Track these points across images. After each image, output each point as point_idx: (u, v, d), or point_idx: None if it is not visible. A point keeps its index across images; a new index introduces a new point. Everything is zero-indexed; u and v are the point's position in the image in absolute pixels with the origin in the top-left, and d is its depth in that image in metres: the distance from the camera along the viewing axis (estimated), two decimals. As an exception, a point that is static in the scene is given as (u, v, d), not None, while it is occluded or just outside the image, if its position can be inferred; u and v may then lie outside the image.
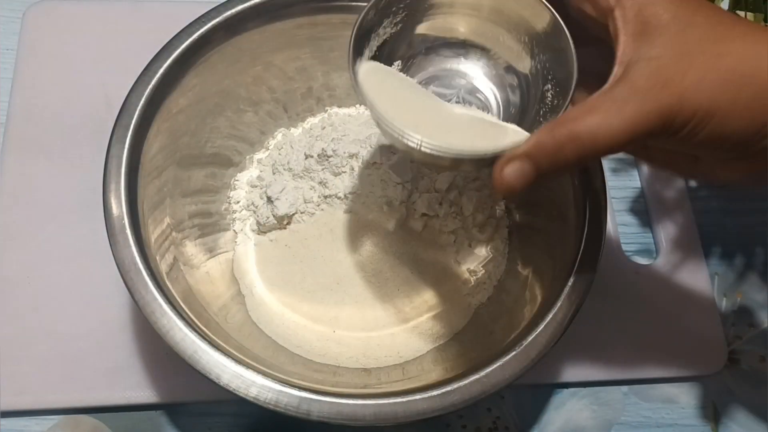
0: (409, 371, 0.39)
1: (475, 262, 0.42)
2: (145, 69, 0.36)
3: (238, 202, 0.44)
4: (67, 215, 0.44)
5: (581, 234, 0.35)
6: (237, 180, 0.44)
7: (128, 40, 0.49)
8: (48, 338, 0.41)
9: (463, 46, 0.34)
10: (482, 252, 0.43)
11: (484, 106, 0.34)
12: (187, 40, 0.37)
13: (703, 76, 0.25)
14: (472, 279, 0.42)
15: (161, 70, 0.36)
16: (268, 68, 0.42)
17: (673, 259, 0.47)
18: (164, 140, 0.37)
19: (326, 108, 0.46)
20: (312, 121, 0.46)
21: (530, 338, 0.32)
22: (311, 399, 0.31)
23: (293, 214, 0.42)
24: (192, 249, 0.40)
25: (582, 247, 0.34)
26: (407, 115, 0.30)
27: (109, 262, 0.32)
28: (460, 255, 0.42)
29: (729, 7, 0.41)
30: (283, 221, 0.42)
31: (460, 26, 0.33)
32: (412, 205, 0.41)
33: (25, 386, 0.40)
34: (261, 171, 0.44)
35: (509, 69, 0.34)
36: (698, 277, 0.46)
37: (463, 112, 0.32)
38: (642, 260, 0.47)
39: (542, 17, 0.30)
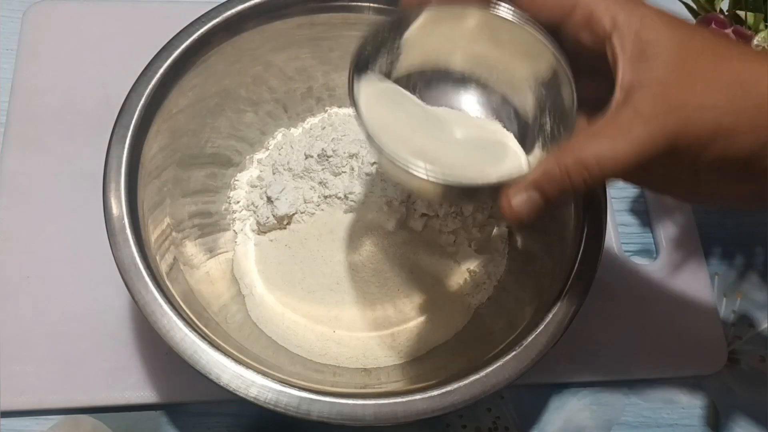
0: (409, 371, 0.39)
1: (475, 262, 0.42)
2: (145, 69, 0.36)
3: (238, 202, 0.44)
4: (67, 215, 0.44)
5: (581, 234, 0.35)
6: (237, 180, 0.44)
7: (128, 40, 0.49)
8: (48, 338, 0.41)
9: (460, 78, 0.34)
10: (482, 252, 0.43)
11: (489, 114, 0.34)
12: (187, 40, 0.37)
13: (705, 98, 0.25)
14: (472, 279, 0.42)
15: (161, 70, 0.36)
16: (268, 68, 0.42)
17: (673, 259, 0.47)
18: (164, 140, 0.37)
19: (326, 108, 0.46)
20: (312, 121, 0.46)
21: (530, 338, 0.32)
22: (311, 399, 0.31)
23: (293, 214, 0.42)
24: (192, 249, 0.40)
25: (582, 247, 0.34)
26: (409, 144, 0.30)
27: (109, 262, 0.32)
28: (460, 255, 0.42)
29: (729, 6, 0.41)
30: (283, 221, 0.42)
31: (458, 58, 0.33)
32: (412, 205, 0.41)
33: (25, 386, 0.40)
34: (261, 171, 0.44)
35: (505, 100, 0.34)
36: (698, 277, 0.46)
37: (465, 134, 0.32)
38: (642, 260, 0.47)
39: (540, 51, 0.30)
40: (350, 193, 0.41)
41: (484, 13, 0.30)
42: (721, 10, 0.41)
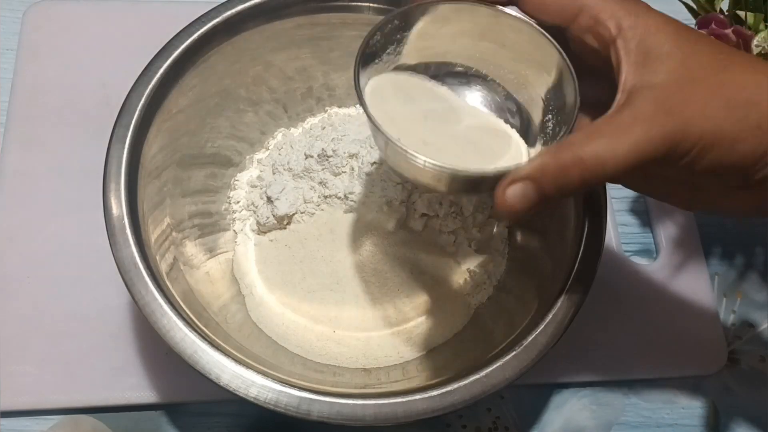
0: (409, 371, 0.39)
1: (475, 262, 0.42)
2: (145, 69, 0.36)
3: (238, 202, 0.44)
4: (67, 215, 0.44)
5: (581, 234, 0.35)
6: (237, 180, 0.44)
7: (128, 40, 0.49)
8: (48, 338, 0.41)
9: (464, 75, 0.34)
10: (482, 252, 0.43)
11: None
12: (187, 40, 0.37)
13: (706, 103, 0.25)
14: (472, 279, 0.42)
15: (161, 70, 0.36)
16: (268, 68, 0.42)
17: (673, 259, 0.47)
18: (164, 140, 0.37)
19: (326, 108, 0.46)
20: (312, 121, 0.46)
21: (530, 338, 0.32)
22: (311, 399, 0.31)
23: (293, 214, 0.42)
24: (192, 249, 0.40)
25: (582, 247, 0.34)
26: (411, 134, 0.30)
27: (109, 262, 0.32)
28: (460, 255, 0.42)
29: (729, 6, 0.41)
30: (283, 221, 0.42)
31: (464, 54, 0.33)
32: (412, 205, 0.41)
33: (25, 386, 0.40)
34: (261, 171, 0.44)
35: (509, 97, 0.34)
36: (698, 277, 0.46)
37: (469, 124, 0.32)
38: (642, 260, 0.47)
39: (545, 50, 0.30)
40: (350, 193, 0.41)
41: (491, 10, 0.30)
42: (721, 10, 0.41)
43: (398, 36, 0.31)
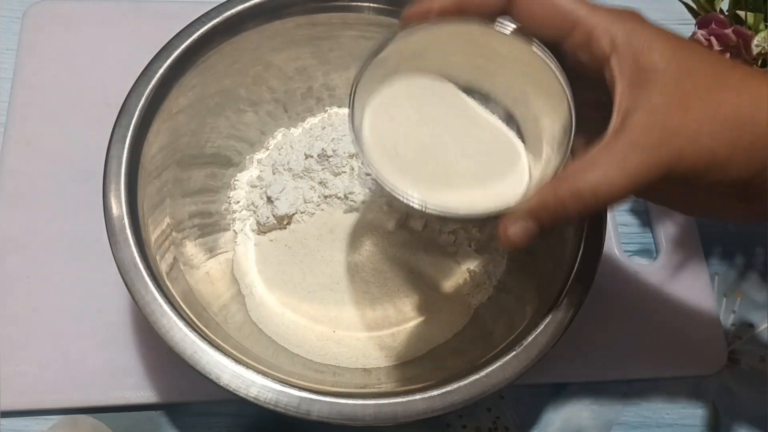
0: (409, 371, 0.39)
1: (475, 262, 0.42)
2: (145, 69, 0.36)
3: (238, 202, 0.44)
4: (67, 215, 0.44)
5: (581, 234, 0.35)
6: (237, 180, 0.44)
7: (128, 40, 0.49)
8: (48, 338, 0.41)
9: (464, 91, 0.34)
10: (482, 252, 0.43)
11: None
12: (187, 40, 0.37)
13: (701, 127, 0.25)
14: (472, 279, 0.42)
15: (161, 70, 0.36)
16: (268, 68, 0.42)
17: (673, 259, 0.47)
18: (164, 140, 0.37)
19: (326, 108, 0.46)
20: (312, 121, 0.46)
21: (530, 338, 0.32)
22: (311, 399, 0.31)
23: (293, 214, 0.42)
24: (192, 249, 0.40)
25: (582, 247, 0.34)
26: (407, 174, 0.30)
27: (109, 262, 0.32)
28: (460, 255, 0.42)
29: (729, 6, 0.41)
30: (283, 221, 0.42)
31: (458, 71, 0.33)
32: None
33: (25, 386, 0.40)
34: (261, 171, 0.44)
35: (506, 111, 0.33)
36: (698, 277, 0.46)
37: (479, 132, 0.32)
38: (642, 260, 0.47)
39: (542, 72, 0.29)
40: (350, 193, 0.41)
41: (485, 29, 0.30)
42: (721, 10, 0.41)
43: (392, 59, 0.31)
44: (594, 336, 0.44)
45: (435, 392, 0.31)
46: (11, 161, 0.45)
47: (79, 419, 0.39)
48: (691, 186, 0.26)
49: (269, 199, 0.42)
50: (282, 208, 0.41)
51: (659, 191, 0.29)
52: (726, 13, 0.41)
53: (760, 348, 0.46)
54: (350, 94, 0.30)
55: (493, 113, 0.33)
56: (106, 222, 0.33)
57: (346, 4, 0.39)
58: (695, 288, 0.46)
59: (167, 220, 0.38)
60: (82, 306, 0.42)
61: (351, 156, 0.41)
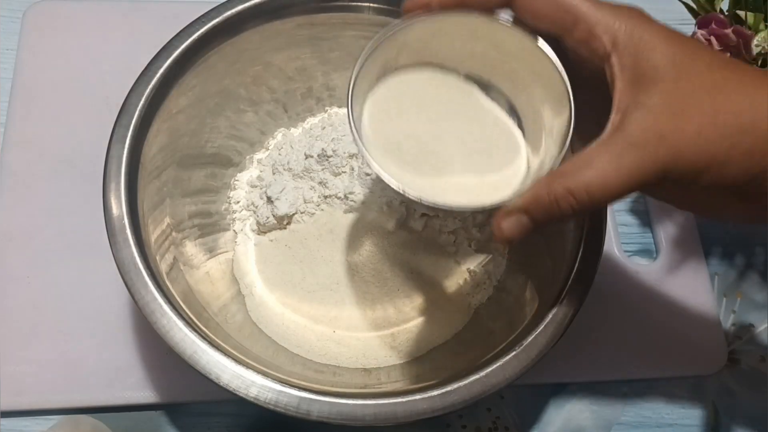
0: (409, 371, 0.39)
1: (475, 262, 0.42)
2: (145, 69, 0.36)
3: (238, 202, 0.44)
4: (67, 215, 0.44)
5: (581, 233, 0.35)
6: (237, 180, 0.44)
7: (128, 40, 0.49)
8: (48, 338, 0.41)
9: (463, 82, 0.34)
10: (482, 252, 0.43)
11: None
12: (187, 40, 0.37)
13: (699, 130, 0.25)
14: (472, 279, 0.42)
15: (161, 70, 0.36)
16: (268, 68, 0.42)
17: (673, 259, 0.47)
18: (164, 140, 0.37)
19: (326, 108, 0.46)
20: (312, 121, 0.46)
21: (530, 338, 0.32)
22: (311, 399, 0.31)
23: (293, 214, 0.42)
24: (192, 249, 0.40)
25: (582, 247, 0.34)
26: (406, 167, 0.30)
27: (109, 262, 0.32)
28: (460, 255, 0.42)
29: (729, 6, 0.41)
30: (283, 221, 0.42)
31: (459, 61, 0.33)
32: (416, 207, 0.41)
33: (25, 386, 0.40)
34: (261, 171, 0.44)
35: (507, 101, 0.33)
36: (698, 277, 0.46)
37: (480, 123, 0.32)
38: (642, 260, 0.47)
39: (541, 59, 0.29)
40: (350, 193, 0.41)
41: (485, 18, 0.30)
42: (721, 10, 0.41)
43: (393, 50, 0.31)
44: (594, 336, 0.44)
45: (435, 392, 0.31)
46: (11, 161, 0.45)
47: (79, 419, 0.39)
48: (689, 186, 0.26)
49: (269, 199, 0.42)
50: (282, 208, 0.41)
51: (657, 189, 0.29)
52: (726, 13, 0.41)
53: (760, 348, 0.46)
54: (349, 87, 0.29)
55: (495, 102, 0.33)
56: (106, 222, 0.33)
57: (346, 4, 0.39)
58: (695, 288, 0.46)
59: (167, 220, 0.38)
60: (82, 306, 0.42)
61: (351, 156, 0.41)
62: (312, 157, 0.42)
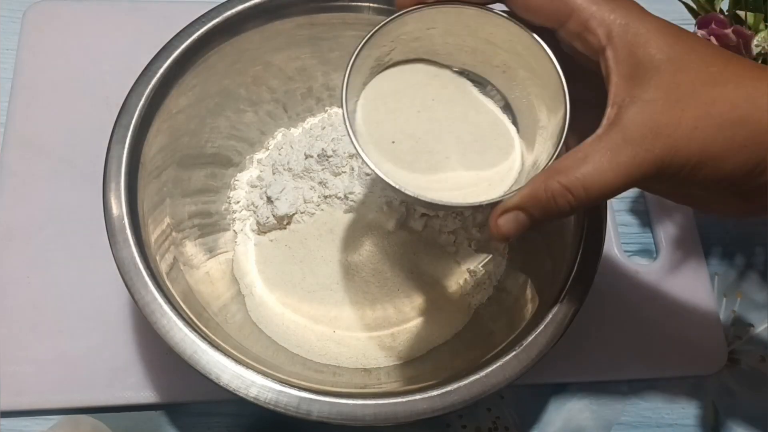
0: (409, 371, 0.39)
1: (475, 262, 0.42)
2: (145, 69, 0.36)
3: (238, 202, 0.44)
4: (67, 215, 0.44)
5: (581, 234, 0.35)
6: (237, 180, 0.44)
7: (128, 40, 0.49)
8: (48, 338, 0.41)
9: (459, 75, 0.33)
10: (482, 252, 0.43)
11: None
12: (187, 40, 0.37)
13: (696, 124, 0.25)
14: (472, 279, 0.42)
15: (161, 70, 0.36)
16: (268, 68, 0.42)
17: (673, 259, 0.47)
18: (164, 140, 0.37)
19: (326, 108, 0.46)
20: (312, 121, 0.46)
21: (530, 338, 0.32)
22: (311, 399, 0.31)
23: (293, 214, 0.42)
24: (192, 249, 0.40)
25: (582, 247, 0.34)
26: (401, 165, 0.30)
27: (109, 262, 0.32)
28: (460, 255, 0.42)
29: (729, 6, 0.41)
30: (283, 221, 0.42)
31: (453, 54, 0.33)
32: (413, 206, 0.41)
33: (25, 386, 0.40)
34: (261, 171, 0.44)
35: (501, 95, 0.33)
36: (698, 277, 0.46)
37: (473, 118, 0.32)
38: (642, 260, 0.47)
39: (535, 52, 0.29)
40: (350, 193, 0.41)
41: (478, 11, 0.29)
42: (721, 10, 0.41)
43: (386, 44, 0.31)
44: (594, 336, 0.44)
45: (435, 392, 0.31)
46: (11, 161, 0.45)
47: (79, 419, 0.39)
48: (685, 180, 0.26)
49: (269, 199, 0.42)
50: (282, 208, 0.41)
51: (653, 183, 0.29)
52: (726, 13, 0.41)
53: (760, 348, 0.46)
54: (343, 82, 0.29)
55: (489, 98, 0.33)
56: (106, 222, 0.33)
57: (346, 4, 0.39)
58: (695, 288, 0.46)
59: (167, 220, 0.38)
60: (82, 306, 0.42)
61: (351, 156, 0.41)
62: (312, 157, 0.42)
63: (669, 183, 0.26)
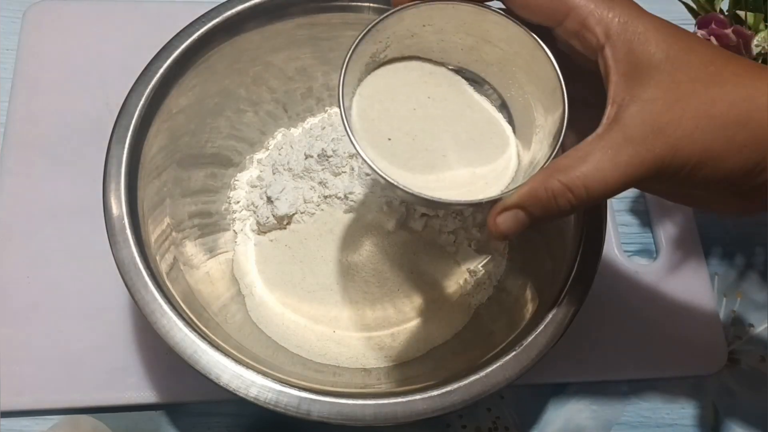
0: (408, 371, 0.39)
1: (475, 262, 0.42)
2: (145, 69, 0.36)
3: (238, 202, 0.44)
4: (68, 215, 0.44)
5: (581, 234, 0.35)
6: (237, 180, 0.44)
7: (128, 40, 0.49)
8: (48, 338, 0.41)
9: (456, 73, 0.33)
10: (482, 252, 0.43)
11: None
12: (187, 40, 0.37)
13: (696, 124, 0.25)
14: (472, 279, 0.42)
15: (161, 70, 0.36)
16: (268, 68, 0.42)
17: (673, 259, 0.47)
18: (164, 140, 0.37)
19: (326, 108, 0.46)
20: (312, 121, 0.46)
21: (530, 338, 0.32)
22: (311, 399, 0.31)
23: (293, 214, 0.42)
24: (192, 249, 0.40)
25: (582, 247, 0.34)
26: (398, 163, 0.30)
27: (109, 262, 0.32)
28: (460, 255, 0.42)
29: (729, 6, 0.41)
30: (283, 221, 0.42)
31: (448, 52, 0.32)
32: (411, 205, 0.41)
33: (25, 386, 0.40)
34: (261, 171, 0.44)
35: (497, 93, 0.33)
36: (698, 277, 0.46)
37: (468, 117, 0.32)
38: (642, 260, 0.47)
39: (533, 51, 0.29)
40: (350, 193, 0.41)
41: (474, 8, 0.29)
42: (721, 10, 0.41)
43: (382, 41, 0.31)
44: (594, 336, 0.44)
45: (435, 392, 0.31)
46: (11, 161, 0.45)
47: (79, 419, 0.39)
48: (685, 180, 0.26)
49: (269, 199, 0.42)
50: (282, 208, 0.41)
51: (652, 183, 0.29)
52: (726, 13, 0.41)
53: (760, 348, 0.46)
54: (340, 78, 0.29)
55: (485, 96, 0.33)
56: (106, 222, 0.33)
57: (346, 4, 0.39)
58: (695, 288, 0.46)
59: (167, 220, 0.38)
60: (82, 306, 0.42)
61: (351, 156, 0.41)
62: (312, 157, 0.42)
63: (669, 183, 0.26)
